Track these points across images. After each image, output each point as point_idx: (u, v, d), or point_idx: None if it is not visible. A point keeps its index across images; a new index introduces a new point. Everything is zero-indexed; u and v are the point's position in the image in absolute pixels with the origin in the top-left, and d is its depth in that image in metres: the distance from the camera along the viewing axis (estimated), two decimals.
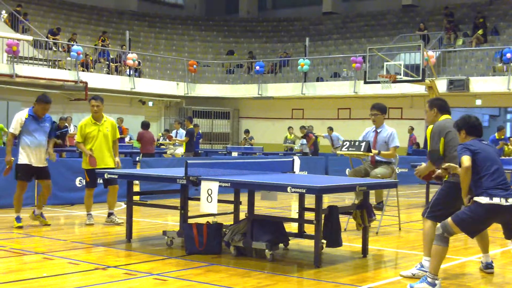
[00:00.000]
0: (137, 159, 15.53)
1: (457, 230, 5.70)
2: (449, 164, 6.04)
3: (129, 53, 26.14)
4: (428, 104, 6.79)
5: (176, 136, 18.29)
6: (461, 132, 6.00)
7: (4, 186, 10.95)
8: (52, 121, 9.42)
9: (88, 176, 9.39)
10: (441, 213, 6.14)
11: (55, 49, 26.00)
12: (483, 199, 5.60)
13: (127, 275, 6.22)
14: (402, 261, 7.27)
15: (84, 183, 10.24)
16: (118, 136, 9.89)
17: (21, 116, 9.04)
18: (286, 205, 12.63)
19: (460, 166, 5.73)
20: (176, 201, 8.07)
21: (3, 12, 25.86)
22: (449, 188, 6.25)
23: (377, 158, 9.11)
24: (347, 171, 9.99)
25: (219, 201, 7.15)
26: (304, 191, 6.45)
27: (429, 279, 5.69)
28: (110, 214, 9.57)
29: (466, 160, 5.65)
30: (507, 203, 5.59)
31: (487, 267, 6.67)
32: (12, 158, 9.09)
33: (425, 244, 6.33)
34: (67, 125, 20.67)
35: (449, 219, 5.72)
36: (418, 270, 6.32)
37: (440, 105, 6.72)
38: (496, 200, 5.57)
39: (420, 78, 19.81)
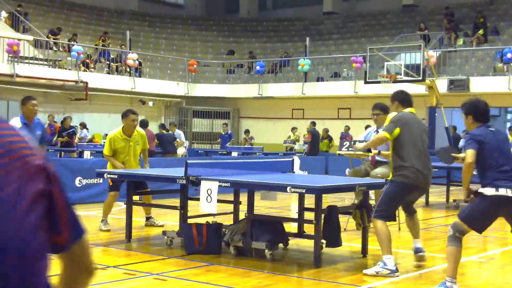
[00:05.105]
0: None
1: (467, 227, 5.54)
2: (459, 155, 6.03)
3: (129, 53, 26.14)
4: (391, 97, 6.96)
5: None
6: (468, 117, 5.74)
7: None
8: (43, 127, 8.93)
9: (111, 180, 8.86)
10: (389, 213, 6.43)
11: (55, 49, 26.01)
12: (488, 191, 5.42)
13: (127, 275, 6.22)
14: (402, 261, 7.26)
15: (79, 184, 10.17)
16: (147, 146, 9.45)
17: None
18: (285, 205, 12.63)
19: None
20: (176, 201, 8.07)
21: (4, 12, 25.86)
22: (395, 187, 6.40)
23: (377, 158, 9.10)
24: (347, 171, 9.98)
25: (219, 201, 7.15)
26: (303, 191, 6.45)
27: (448, 283, 5.55)
28: (148, 218, 9.47)
29: (470, 155, 5.44)
30: None
31: (417, 252, 6.89)
32: None
33: (381, 243, 6.40)
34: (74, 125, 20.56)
35: (458, 219, 5.58)
36: (381, 268, 6.36)
37: (402, 99, 6.82)
38: (502, 191, 5.39)
39: (420, 78, 19.80)
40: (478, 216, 5.55)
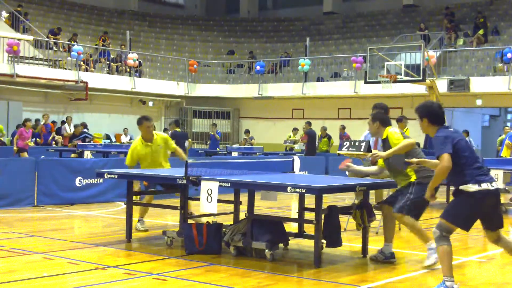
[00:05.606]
0: None
1: (453, 226, 5.60)
2: (422, 160, 6.19)
3: (129, 53, 26.14)
4: (371, 117, 7.29)
5: None
6: (423, 120, 5.83)
7: (5, 187, 10.97)
8: None
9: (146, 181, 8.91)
10: (420, 212, 6.79)
11: (55, 49, 26.01)
12: (471, 187, 5.50)
13: (127, 275, 6.22)
14: (402, 261, 7.27)
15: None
16: (173, 146, 9.32)
17: None
18: (286, 205, 12.63)
19: (437, 158, 5.63)
20: (176, 201, 8.08)
21: (4, 12, 25.86)
22: (423, 188, 6.52)
23: None
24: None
25: (219, 201, 7.15)
26: (304, 191, 6.45)
27: (447, 283, 5.55)
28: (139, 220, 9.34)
29: (447, 160, 5.50)
30: (493, 187, 5.53)
31: (392, 257, 7.06)
32: None
33: (418, 233, 6.68)
34: (85, 130, 20.69)
35: (442, 219, 5.62)
36: (433, 255, 6.64)
37: (382, 119, 7.19)
38: (484, 186, 5.49)
39: (420, 78, 19.81)
40: (464, 214, 5.59)
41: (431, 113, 5.80)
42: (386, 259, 7.01)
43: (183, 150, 16.90)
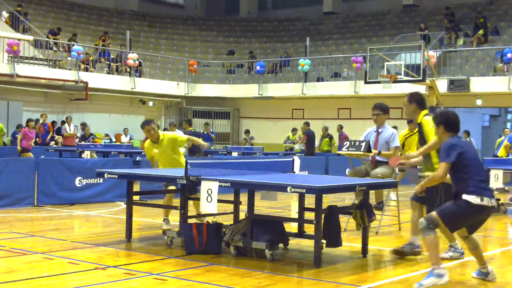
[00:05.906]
0: (137, 159, 15.51)
1: (441, 223, 5.82)
2: (425, 173, 6.60)
3: (129, 53, 26.14)
4: (407, 98, 7.35)
5: None
6: (439, 127, 6.06)
7: (5, 187, 10.98)
8: None
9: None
10: None
11: (55, 49, 26.00)
12: (474, 199, 5.71)
13: (127, 275, 6.22)
14: (402, 261, 7.26)
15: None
16: (184, 139, 9.35)
17: None
18: (286, 205, 12.63)
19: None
20: (176, 201, 8.08)
21: (4, 12, 25.86)
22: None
23: (378, 158, 9.10)
24: (347, 171, 9.97)
25: (219, 201, 7.15)
26: (304, 191, 6.45)
27: (435, 271, 5.71)
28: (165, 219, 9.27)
29: (443, 169, 5.76)
30: (491, 204, 5.77)
31: (419, 247, 7.21)
32: None
33: (443, 232, 6.82)
34: (92, 133, 20.91)
35: (434, 213, 5.83)
36: (453, 253, 6.96)
37: (419, 100, 7.26)
38: (486, 201, 5.72)
39: (420, 78, 19.80)
40: (458, 218, 5.82)
41: (448, 121, 6.03)
42: (414, 247, 7.19)
43: (199, 149, 16.92)
